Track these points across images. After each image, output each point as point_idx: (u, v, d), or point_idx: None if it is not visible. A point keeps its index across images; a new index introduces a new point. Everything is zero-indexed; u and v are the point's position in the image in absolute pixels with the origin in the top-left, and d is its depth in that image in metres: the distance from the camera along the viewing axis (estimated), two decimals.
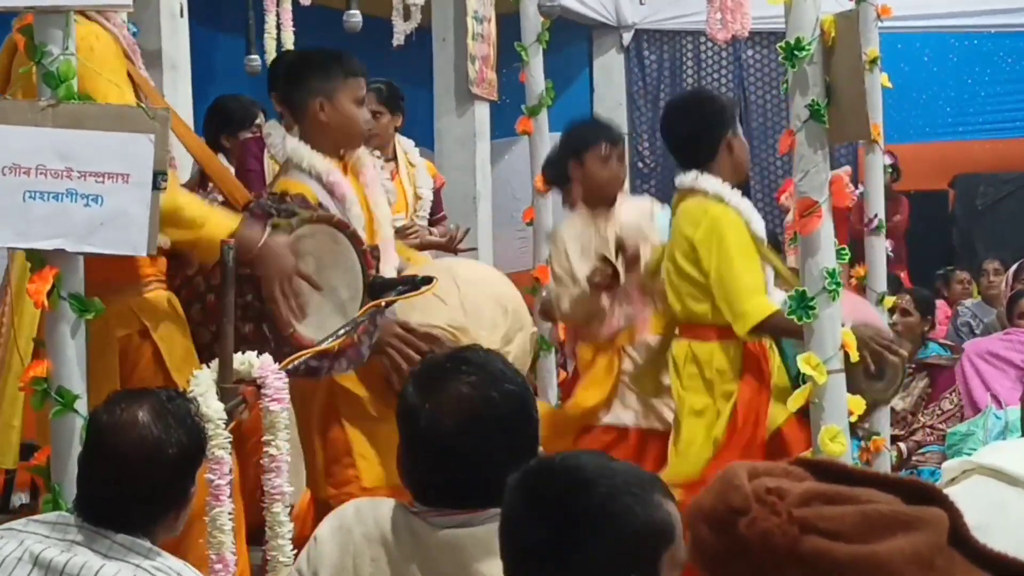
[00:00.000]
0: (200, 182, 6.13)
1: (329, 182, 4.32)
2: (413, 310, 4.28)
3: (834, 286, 3.94)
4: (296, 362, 3.75)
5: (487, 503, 2.51)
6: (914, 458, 7.19)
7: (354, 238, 4.04)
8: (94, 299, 3.30)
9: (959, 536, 1.30)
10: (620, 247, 5.45)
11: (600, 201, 5.61)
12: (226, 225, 3.69)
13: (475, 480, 2.56)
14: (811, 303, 3.95)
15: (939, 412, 7.30)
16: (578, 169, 5.61)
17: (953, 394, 7.37)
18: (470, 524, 2.57)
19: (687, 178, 4.86)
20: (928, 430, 7.26)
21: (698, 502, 1.33)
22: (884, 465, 5.55)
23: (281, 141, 4.38)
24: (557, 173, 5.88)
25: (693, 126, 4.94)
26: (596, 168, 5.59)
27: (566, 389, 6.80)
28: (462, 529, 2.57)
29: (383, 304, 3.93)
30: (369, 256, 4.05)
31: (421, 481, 2.66)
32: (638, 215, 5.67)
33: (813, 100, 3.93)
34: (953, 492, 2.85)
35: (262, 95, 6.87)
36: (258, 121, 6.45)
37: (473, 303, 4.36)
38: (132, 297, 3.67)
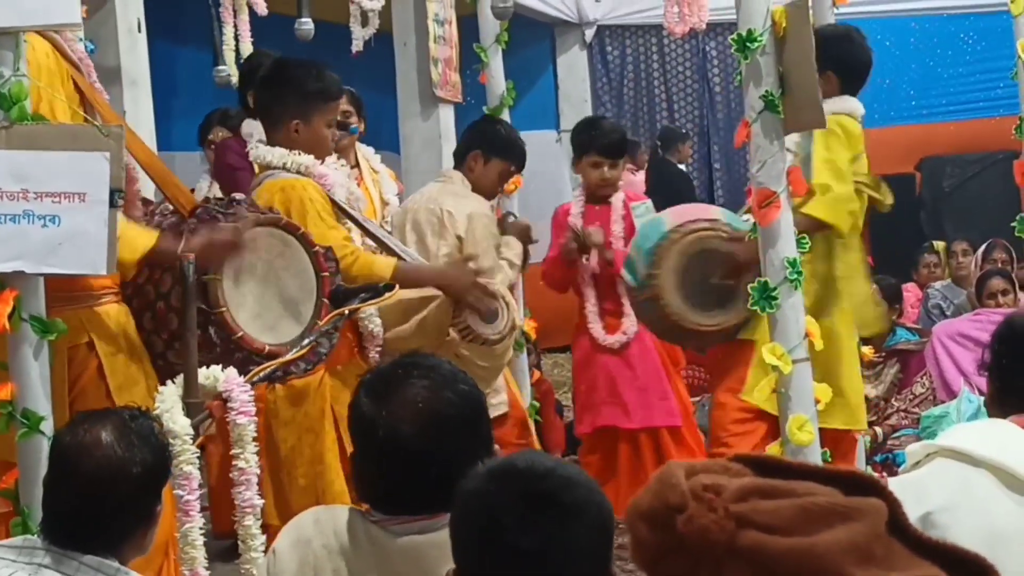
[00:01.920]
0: None
1: (319, 173, 4.57)
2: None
3: (795, 275, 3.94)
4: (262, 373, 3.75)
5: (446, 507, 2.52)
6: (889, 441, 7.21)
7: (305, 240, 4.05)
8: (56, 320, 3.29)
9: (898, 525, 1.31)
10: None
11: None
12: (139, 246, 3.60)
13: (436, 485, 2.54)
14: (773, 293, 3.96)
15: (912, 396, 7.33)
16: (479, 163, 5.82)
17: (924, 378, 7.39)
18: (430, 530, 2.57)
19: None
20: (902, 414, 7.29)
21: (637, 501, 1.34)
22: (859, 450, 5.56)
23: (260, 144, 4.67)
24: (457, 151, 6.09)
25: (863, 56, 5.23)
26: (492, 175, 5.88)
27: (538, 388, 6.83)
28: (421, 536, 2.57)
29: (346, 312, 3.93)
30: (322, 258, 4.06)
31: (381, 490, 2.65)
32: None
33: (767, 91, 3.93)
34: (919, 475, 2.89)
35: (228, 105, 6.89)
36: None
37: None
38: (83, 309, 3.63)
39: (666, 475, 1.31)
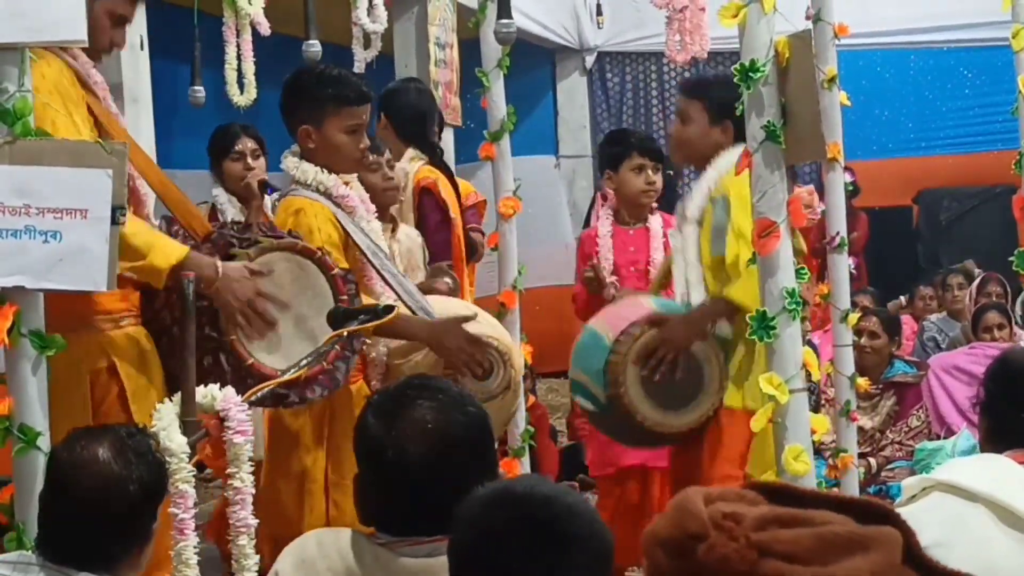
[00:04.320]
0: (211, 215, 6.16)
1: (338, 195, 4.42)
2: (468, 324, 4.47)
3: (794, 306, 3.94)
4: (259, 393, 3.74)
5: None
6: (883, 473, 7.22)
7: (322, 264, 4.04)
8: (55, 335, 3.29)
9: (913, 554, 1.31)
10: None
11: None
12: (173, 253, 3.66)
13: (445, 506, 2.53)
14: (772, 323, 3.95)
15: (907, 429, 7.33)
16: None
17: (920, 411, 7.40)
18: (439, 552, 2.55)
19: None
20: (897, 446, 7.29)
21: (654, 529, 1.34)
22: (852, 482, 5.56)
23: (290, 155, 4.50)
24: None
25: None
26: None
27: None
28: (432, 558, 2.56)
29: (345, 334, 3.92)
30: (340, 281, 4.04)
31: (387, 511, 2.65)
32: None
33: (769, 121, 3.93)
34: (914, 509, 2.89)
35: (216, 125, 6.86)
36: (238, 147, 6.51)
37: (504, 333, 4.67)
38: (103, 333, 3.66)
39: (685, 502, 1.31)
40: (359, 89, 4.51)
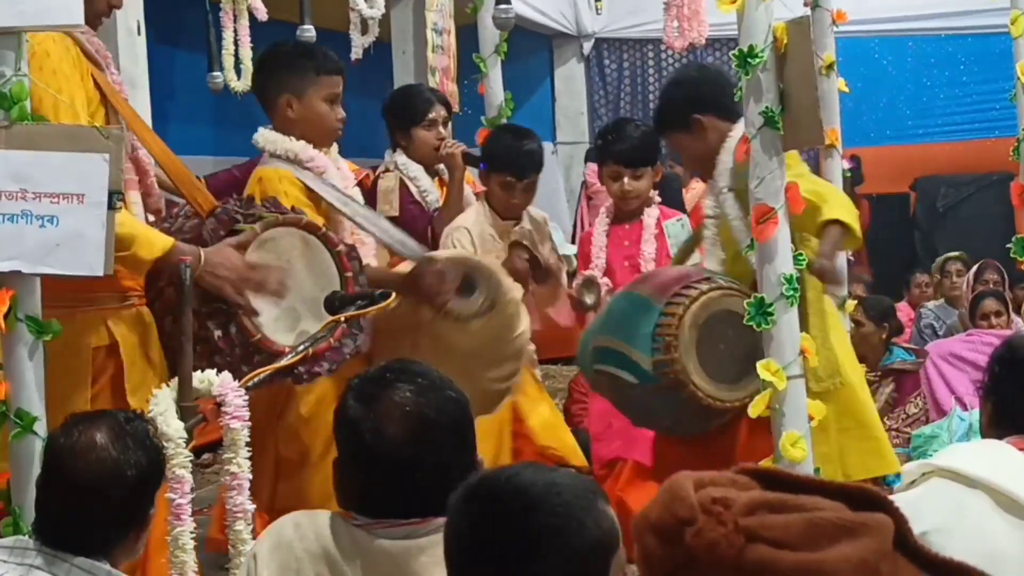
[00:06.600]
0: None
1: (308, 157, 4.42)
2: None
3: (791, 292, 3.94)
4: (257, 378, 3.73)
5: (432, 512, 2.52)
6: None
7: (326, 239, 4.04)
8: (51, 320, 3.28)
9: (904, 541, 1.31)
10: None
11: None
12: (157, 244, 3.64)
13: (422, 489, 2.56)
14: (769, 309, 3.96)
15: (904, 416, 7.33)
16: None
17: (918, 398, 7.39)
18: (416, 535, 2.57)
19: None
20: (894, 433, 7.29)
21: (646, 513, 1.34)
22: None
23: (262, 130, 4.51)
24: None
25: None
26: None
27: None
28: (408, 540, 2.58)
29: (342, 319, 3.92)
30: (345, 257, 4.05)
31: (366, 494, 2.65)
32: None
33: (767, 107, 3.94)
34: (913, 494, 2.89)
35: (225, 112, 6.85)
36: (431, 115, 5.99)
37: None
38: (107, 310, 3.65)
39: (675, 487, 1.31)
40: (335, 60, 4.60)
